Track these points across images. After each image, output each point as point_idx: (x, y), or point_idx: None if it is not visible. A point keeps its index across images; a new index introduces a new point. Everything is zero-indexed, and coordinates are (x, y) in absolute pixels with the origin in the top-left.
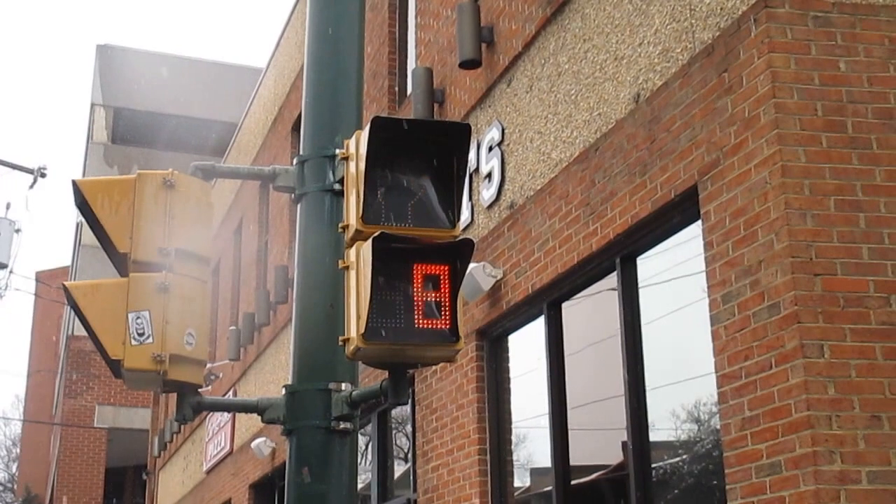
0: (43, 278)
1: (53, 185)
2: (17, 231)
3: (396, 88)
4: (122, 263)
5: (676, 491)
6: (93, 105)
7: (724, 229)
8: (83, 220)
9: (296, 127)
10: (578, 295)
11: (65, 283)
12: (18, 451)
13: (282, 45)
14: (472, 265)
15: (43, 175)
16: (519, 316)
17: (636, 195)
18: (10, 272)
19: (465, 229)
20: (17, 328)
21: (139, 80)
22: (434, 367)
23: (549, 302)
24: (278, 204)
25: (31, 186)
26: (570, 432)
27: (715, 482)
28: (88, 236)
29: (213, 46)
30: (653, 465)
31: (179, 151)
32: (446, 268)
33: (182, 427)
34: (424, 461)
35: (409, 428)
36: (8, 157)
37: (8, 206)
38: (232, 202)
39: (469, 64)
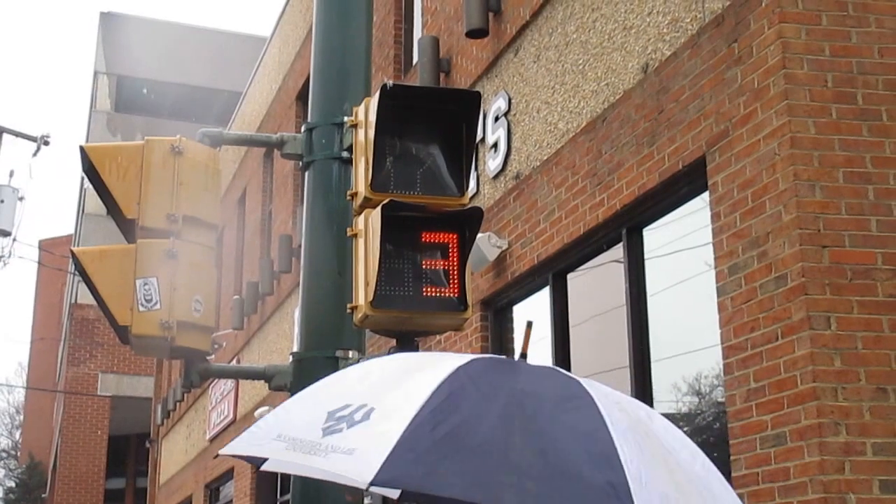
0: (46, 246)
1: (57, 153)
2: (21, 199)
3: (402, 57)
4: (129, 230)
5: None
6: (96, 73)
7: (731, 200)
8: (90, 186)
9: (300, 96)
10: (584, 266)
11: (73, 248)
12: (22, 418)
13: (286, 13)
14: (477, 235)
15: (46, 143)
16: (524, 286)
17: (643, 166)
18: (14, 240)
19: (470, 199)
20: (21, 295)
21: (142, 49)
22: (438, 337)
23: (554, 273)
24: (282, 173)
25: (35, 154)
26: None
27: (718, 454)
28: (92, 204)
29: (217, 15)
30: None
31: (183, 120)
32: (454, 236)
33: (185, 395)
34: None
35: None
36: (11, 124)
37: (11, 174)
38: (235, 172)
39: (476, 33)
